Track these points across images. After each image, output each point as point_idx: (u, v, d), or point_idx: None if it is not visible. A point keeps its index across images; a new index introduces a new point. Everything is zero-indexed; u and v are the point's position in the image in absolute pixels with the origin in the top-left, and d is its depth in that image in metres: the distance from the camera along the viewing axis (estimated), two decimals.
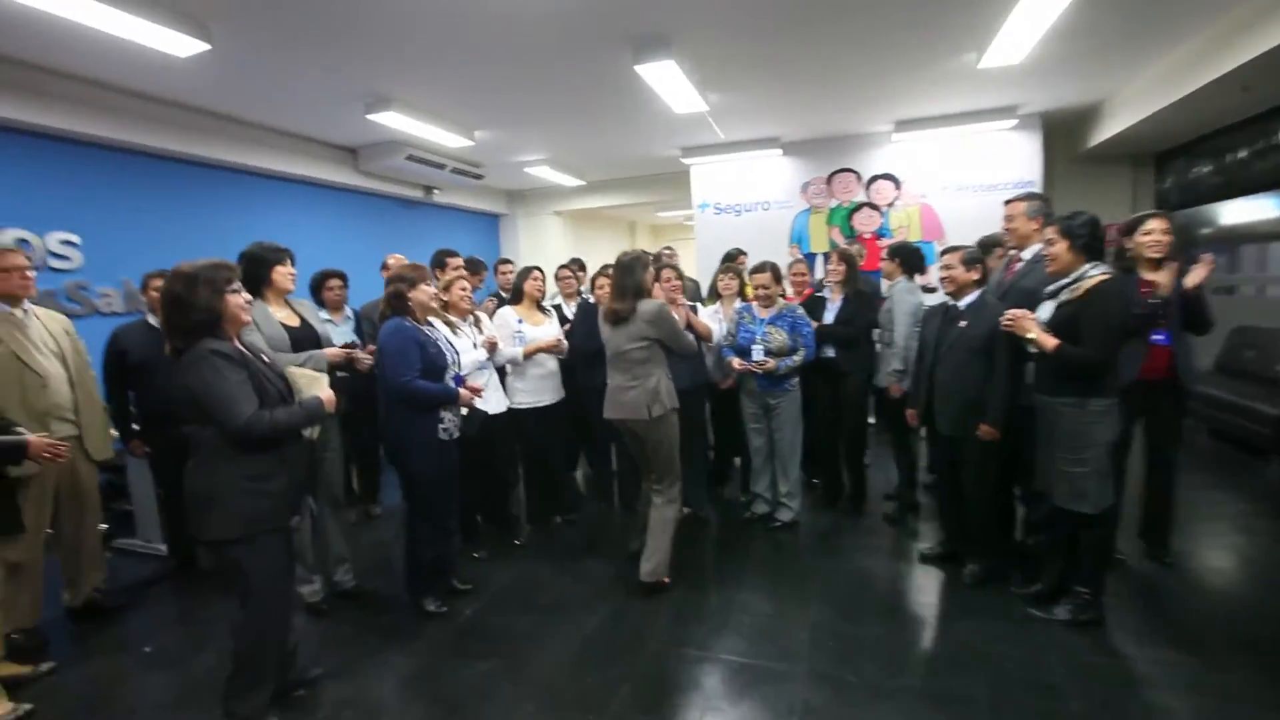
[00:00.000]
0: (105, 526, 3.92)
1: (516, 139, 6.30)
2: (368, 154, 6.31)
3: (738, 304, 3.70)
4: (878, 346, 3.84)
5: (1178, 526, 2.98)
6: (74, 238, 4.31)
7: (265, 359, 1.98)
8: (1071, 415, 2.30)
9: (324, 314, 3.64)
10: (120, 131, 4.34)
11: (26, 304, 2.67)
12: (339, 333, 3.57)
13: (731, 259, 4.74)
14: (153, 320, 3.13)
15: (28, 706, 2.17)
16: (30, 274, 2.62)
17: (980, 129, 5.87)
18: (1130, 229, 2.74)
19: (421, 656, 2.46)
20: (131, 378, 3.10)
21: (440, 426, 2.56)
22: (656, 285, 3.45)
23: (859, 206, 6.59)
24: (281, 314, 2.76)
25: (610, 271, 4.12)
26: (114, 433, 3.07)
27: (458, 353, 2.75)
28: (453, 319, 3.11)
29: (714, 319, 3.67)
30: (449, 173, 6.91)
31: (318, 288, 3.65)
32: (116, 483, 3.87)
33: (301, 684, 2.22)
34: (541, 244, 9.22)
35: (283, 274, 2.75)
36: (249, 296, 1.92)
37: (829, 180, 6.66)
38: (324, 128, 5.56)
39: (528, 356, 3.40)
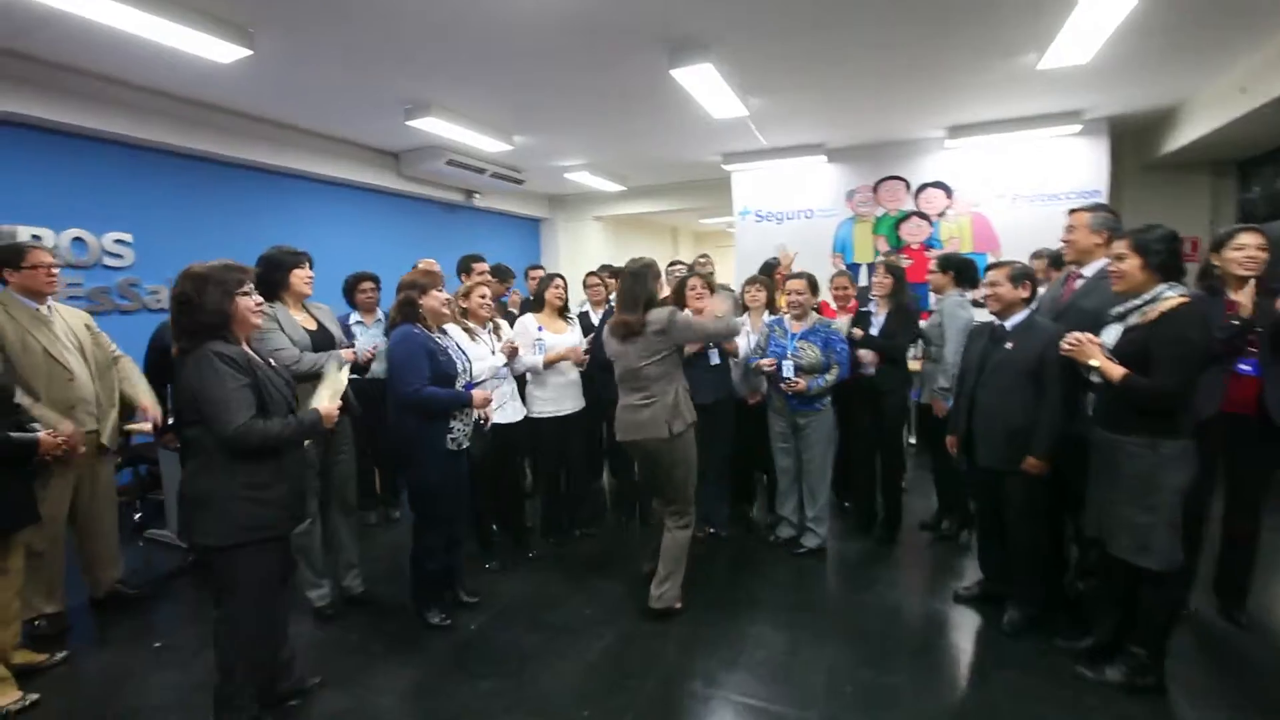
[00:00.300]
0: (139, 515, 4.08)
1: (556, 143, 6.29)
2: (409, 158, 6.41)
3: (767, 317, 3.53)
4: (917, 363, 3.61)
5: (1260, 584, 2.65)
6: (127, 237, 4.50)
7: (274, 365, 1.96)
8: (1139, 456, 2.02)
9: (355, 316, 3.67)
10: (170, 135, 4.50)
11: (50, 301, 2.75)
12: (369, 335, 3.59)
13: (770, 269, 4.54)
14: None
15: (34, 696, 2.21)
16: (55, 272, 2.69)
17: (1041, 135, 5.51)
18: (1220, 244, 2.46)
19: (421, 670, 2.40)
20: (172, 373, 3.17)
21: (449, 436, 2.50)
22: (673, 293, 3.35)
23: (907, 216, 6.30)
24: (299, 317, 2.77)
25: (599, 274, 4.02)
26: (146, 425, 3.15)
27: (469, 361, 2.69)
28: (471, 326, 3.06)
29: (741, 333, 3.51)
30: (489, 177, 6.96)
31: (351, 290, 3.68)
32: (155, 473, 4.00)
33: (297, 694, 2.19)
34: (582, 249, 9.21)
35: (300, 277, 2.76)
36: (261, 300, 1.89)
37: (875, 188, 6.39)
38: (366, 133, 5.66)
39: (548, 365, 3.32)
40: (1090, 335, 2.12)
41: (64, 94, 3.92)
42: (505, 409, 3.09)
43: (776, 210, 6.85)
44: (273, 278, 2.74)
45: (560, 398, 3.40)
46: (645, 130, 5.76)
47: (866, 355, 3.35)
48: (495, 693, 2.26)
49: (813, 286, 3.35)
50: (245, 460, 1.75)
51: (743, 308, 3.70)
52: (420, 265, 3.79)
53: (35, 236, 4.06)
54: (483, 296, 3.05)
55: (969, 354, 2.69)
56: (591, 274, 4.19)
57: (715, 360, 3.32)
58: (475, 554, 3.21)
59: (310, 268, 2.86)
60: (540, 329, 3.38)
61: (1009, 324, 2.54)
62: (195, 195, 4.95)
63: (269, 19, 3.35)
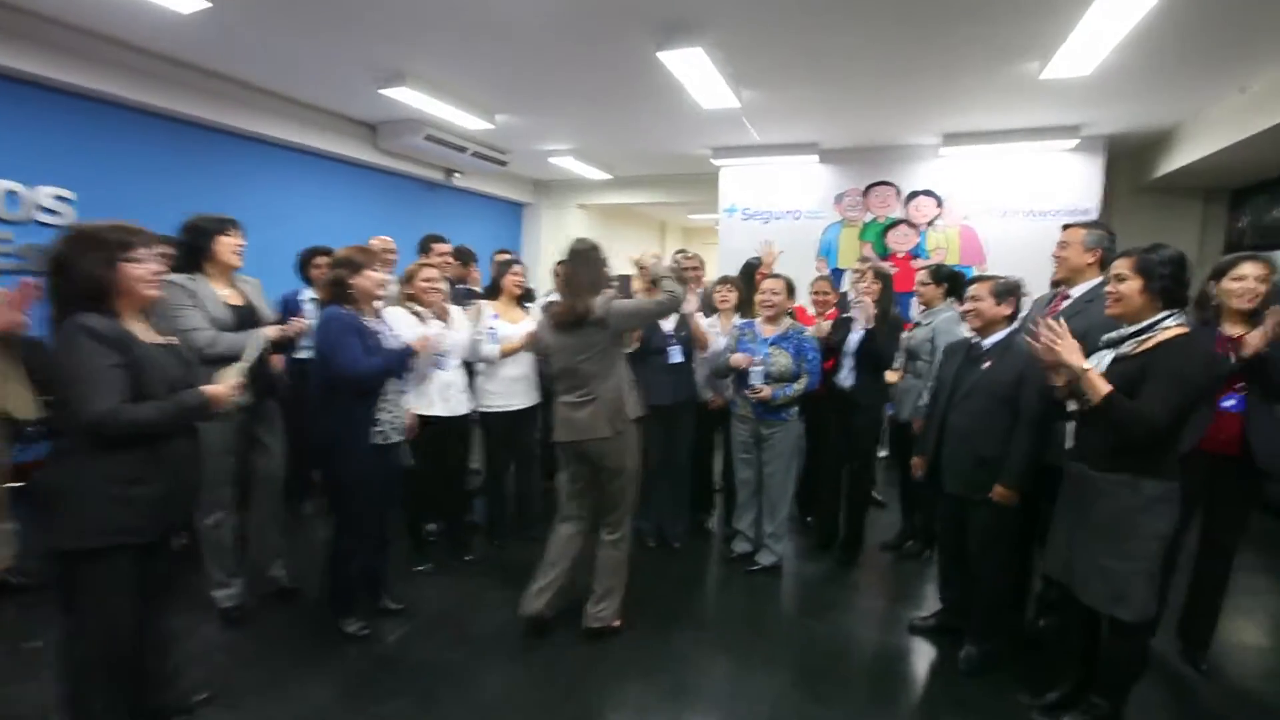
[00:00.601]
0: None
1: (540, 126, 6.04)
2: (387, 131, 6.14)
3: (737, 320, 3.35)
4: (895, 375, 3.44)
5: (1225, 629, 2.52)
6: (68, 193, 4.20)
7: (171, 344, 1.72)
8: (1117, 496, 1.84)
9: (309, 292, 3.43)
10: (121, 87, 4.20)
11: None
12: None
13: (751, 270, 4.32)
14: None
15: None
16: None
17: (1037, 148, 5.37)
18: (1220, 272, 2.30)
19: (326, 688, 2.18)
20: None
21: (375, 429, 2.29)
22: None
23: (895, 223, 6.14)
24: (224, 293, 2.52)
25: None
26: None
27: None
28: (419, 310, 2.85)
29: (711, 333, 3.33)
30: (470, 156, 6.69)
31: (304, 265, 3.45)
32: None
33: (182, 710, 1.97)
34: (562, 237, 8.93)
35: (227, 246, 2.51)
36: (158, 268, 1.66)
37: (866, 192, 6.23)
38: (338, 99, 5.38)
39: (505, 356, 3.11)
40: (1067, 335, 1.92)
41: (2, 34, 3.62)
42: (450, 401, 2.88)
43: (763, 209, 6.66)
44: (196, 245, 2.50)
45: (510, 391, 3.19)
46: (633, 117, 5.54)
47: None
48: (402, 715, 2.06)
49: (789, 289, 3.17)
50: (110, 450, 1.53)
51: (711, 309, 3.51)
52: (373, 242, 3.55)
53: None
54: (428, 280, 2.83)
55: (943, 372, 2.52)
56: (561, 262, 3.98)
57: (676, 358, 3.14)
58: (408, 555, 3.01)
59: (240, 236, 2.63)
60: (495, 317, 3.17)
61: (987, 343, 2.37)
62: (152, 154, 4.65)
63: None
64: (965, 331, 2.60)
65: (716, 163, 6.66)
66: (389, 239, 3.57)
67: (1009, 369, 2.25)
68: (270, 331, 2.46)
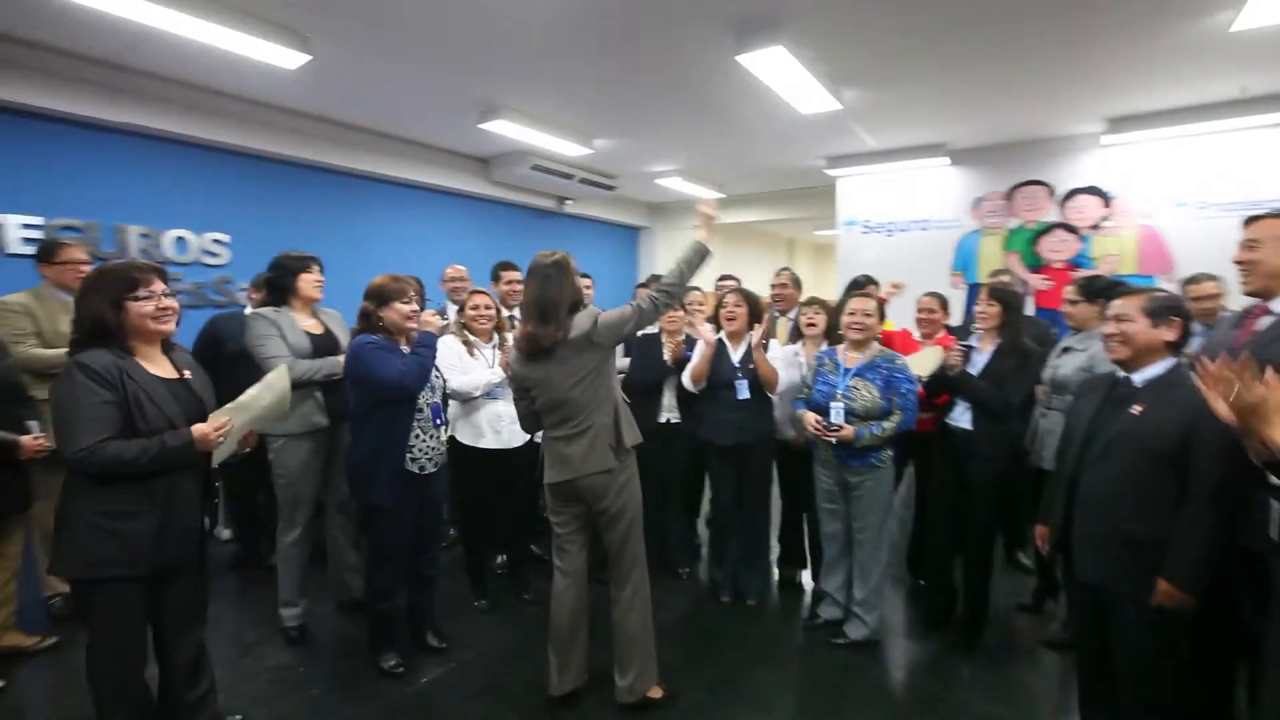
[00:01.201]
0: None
1: (639, 147, 5.97)
2: (497, 163, 6.42)
3: (825, 348, 2.92)
4: (1041, 413, 2.79)
5: None
6: (224, 237, 4.81)
7: (185, 379, 1.76)
8: None
9: None
10: (260, 141, 4.75)
11: None
12: None
13: (859, 286, 3.82)
14: (249, 311, 3.24)
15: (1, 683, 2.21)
16: (85, 268, 2.80)
17: (1236, 126, 4.26)
18: None
19: None
20: (227, 367, 3.21)
21: (408, 455, 2.23)
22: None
23: (1049, 228, 5.21)
24: (307, 322, 2.68)
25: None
26: None
27: (443, 378, 2.42)
28: (471, 339, 2.79)
29: (790, 363, 2.93)
30: (578, 183, 6.81)
31: None
32: None
33: None
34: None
35: (308, 282, 2.70)
36: (167, 304, 1.71)
37: (1010, 195, 5.37)
38: (449, 137, 5.69)
39: None
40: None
41: (166, 104, 4.23)
42: (501, 432, 2.77)
43: (887, 221, 6.01)
44: (280, 282, 2.70)
45: None
46: (730, 130, 5.26)
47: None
48: None
49: (878, 311, 2.69)
50: (102, 484, 1.57)
51: (796, 334, 3.10)
52: (447, 271, 3.62)
53: (144, 235, 4.45)
54: (475, 308, 2.77)
55: (1075, 415, 1.94)
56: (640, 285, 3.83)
57: (743, 394, 2.77)
58: (470, 589, 2.93)
59: (320, 272, 2.79)
60: None
61: (1139, 378, 1.77)
62: (293, 199, 5.23)
63: (322, 23, 3.35)
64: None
65: (831, 173, 6.15)
66: (462, 268, 3.61)
67: (1171, 419, 1.64)
68: (342, 359, 2.54)
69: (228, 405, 1.76)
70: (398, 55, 3.78)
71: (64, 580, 1.73)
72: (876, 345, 2.62)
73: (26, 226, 3.94)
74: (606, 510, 2.07)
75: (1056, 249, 5.16)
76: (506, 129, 4.96)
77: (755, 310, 2.94)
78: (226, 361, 3.10)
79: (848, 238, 6.26)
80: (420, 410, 2.27)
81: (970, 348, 2.69)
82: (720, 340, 2.91)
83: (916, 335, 3.13)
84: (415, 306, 2.28)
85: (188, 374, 1.78)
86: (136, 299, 1.65)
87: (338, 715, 2.17)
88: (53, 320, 2.73)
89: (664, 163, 6.57)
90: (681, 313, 3.21)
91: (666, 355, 3.10)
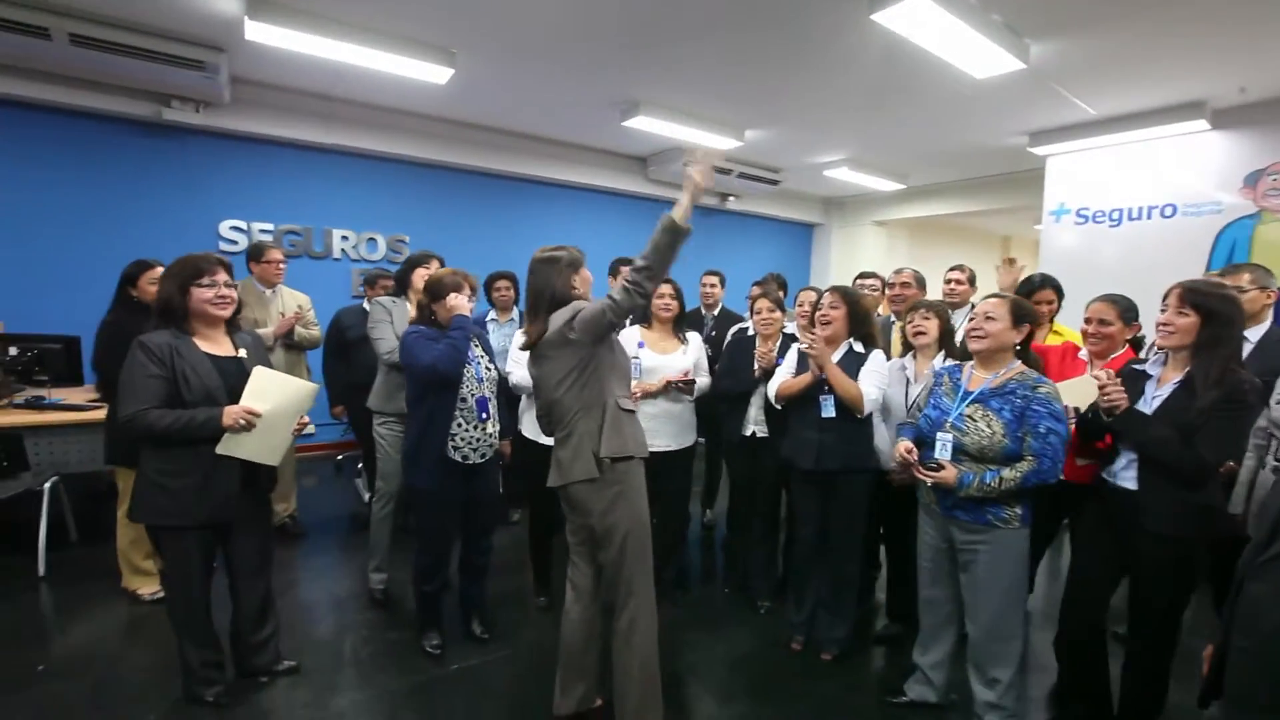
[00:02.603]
0: (341, 457, 4.96)
1: (798, 137, 5.53)
2: (654, 161, 6.44)
3: (942, 362, 2.35)
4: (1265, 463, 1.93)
5: None
6: (405, 237, 5.50)
7: (239, 357, 1.98)
8: None
9: (492, 314, 3.74)
10: (430, 151, 5.35)
11: (280, 285, 3.50)
12: (501, 333, 3.62)
13: (1033, 289, 2.99)
14: (367, 306, 3.67)
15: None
16: (283, 266, 3.43)
17: None
18: None
19: (373, 689, 2.22)
20: (346, 352, 3.69)
21: (450, 443, 2.27)
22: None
23: None
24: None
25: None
26: None
27: (498, 371, 2.43)
28: None
29: (898, 379, 2.41)
30: (737, 178, 6.54)
31: (488, 289, 3.77)
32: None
33: (265, 672, 2.23)
34: (855, 259, 8.01)
35: (421, 275, 2.88)
36: (226, 292, 1.93)
37: None
38: (598, 137, 5.82)
39: (643, 397, 2.76)
40: None
41: (358, 124, 4.96)
42: None
43: (1110, 207, 4.76)
44: (402, 276, 2.98)
45: (657, 430, 2.83)
46: (892, 109, 4.60)
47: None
48: None
49: (1021, 315, 2.05)
50: (157, 447, 1.81)
51: (905, 345, 2.55)
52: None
53: (344, 237, 5.28)
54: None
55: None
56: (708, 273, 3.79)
57: (829, 412, 2.33)
58: (535, 585, 2.93)
59: (435, 266, 3.02)
60: (641, 345, 2.87)
61: None
62: (463, 203, 5.81)
63: (463, 38, 3.63)
64: None
65: (1038, 151, 5.06)
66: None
67: None
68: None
69: (251, 387, 1.90)
70: (533, 60, 3.94)
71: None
72: (1019, 365, 1.99)
73: (263, 232, 4.91)
74: (594, 528, 1.87)
75: None
76: (650, 125, 4.92)
77: (858, 314, 2.47)
78: (348, 346, 3.52)
79: (1055, 230, 5.10)
80: (464, 400, 2.29)
81: (1142, 371, 1.94)
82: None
83: (1083, 353, 2.36)
84: (468, 301, 2.30)
85: (242, 352, 2.00)
86: (200, 285, 1.88)
87: (371, 679, 2.29)
88: (252, 309, 3.31)
89: (828, 152, 6.01)
90: (779, 314, 2.85)
91: (756, 366, 2.76)
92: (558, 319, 1.84)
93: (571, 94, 4.57)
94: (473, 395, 2.30)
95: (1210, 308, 1.78)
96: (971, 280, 3.09)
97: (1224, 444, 1.76)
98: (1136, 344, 2.39)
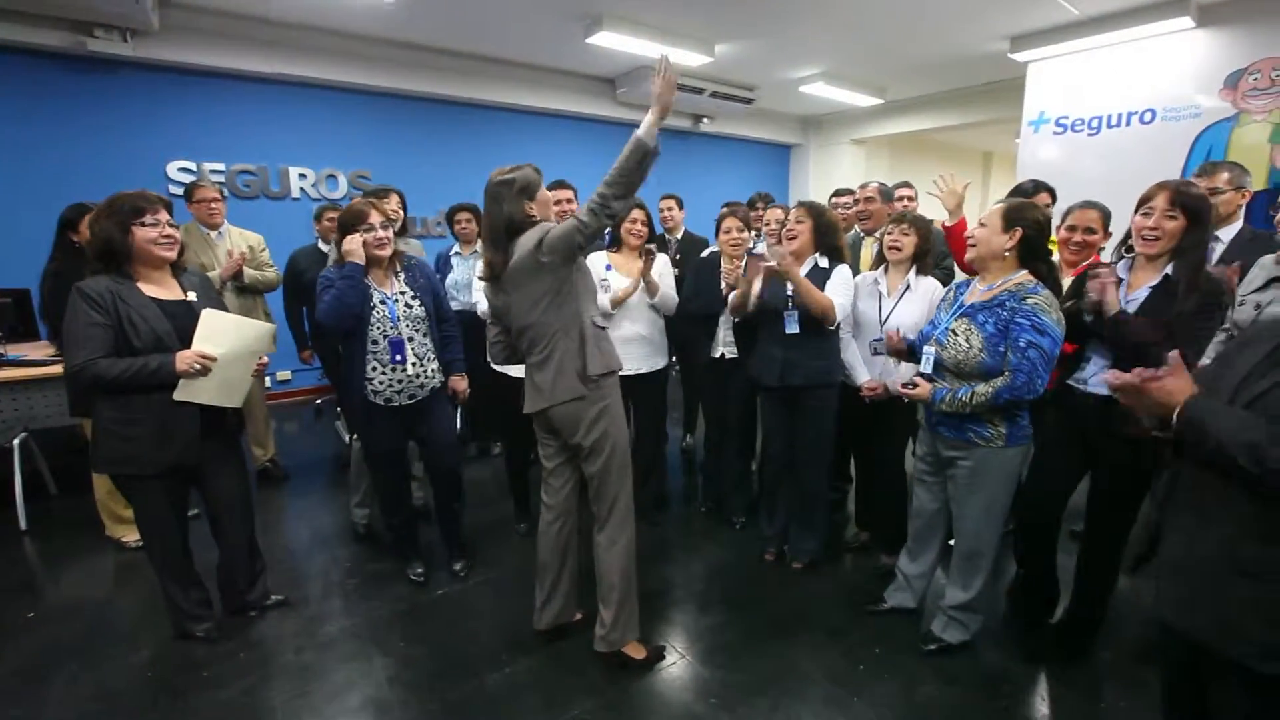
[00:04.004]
0: (320, 401, 4.94)
1: (772, 50, 5.27)
2: (623, 82, 6.14)
3: (915, 278, 2.33)
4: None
5: None
6: (366, 172, 5.28)
7: (188, 300, 1.91)
8: None
9: (456, 247, 3.64)
10: (385, 79, 5.04)
11: (225, 227, 3.32)
12: (465, 265, 3.53)
13: (1026, 196, 2.81)
14: (323, 246, 3.54)
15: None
16: (214, 205, 3.22)
17: None
18: None
19: (356, 618, 2.29)
20: (305, 295, 3.59)
21: (369, 388, 2.21)
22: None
23: None
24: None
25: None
26: None
27: (391, 305, 2.24)
28: None
29: (869, 293, 2.41)
30: (710, 97, 6.28)
31: (449, 221, 3.65)
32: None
33: (255, 607, 2.30)
34: (834, 179, 7.84)
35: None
36: (170, 231, 1.84)
37: None
38: (561, 57, 5.50)
39: (615, 306, 2.77)
40: None
41: (304, 50, 4.64)
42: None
43: (1089, 114, 4.66)
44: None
45: (629, 354, 2.83)
46: (871, 14, 4.37)
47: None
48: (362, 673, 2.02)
49: (1011, 219, 1.90)
50: (110, 396, 1.77)
51: (878, 259, 2.52)
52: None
53: (302, 175, 5.04)
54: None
55: (1224, 374, 1.27)
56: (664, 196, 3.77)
57: (793, 328, 2.34)
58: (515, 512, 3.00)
59: (399, 203, 3.04)
60: (609, 268, 2.83)
61: None
62: (425, 132, 5.55)
63: None
64: None
65: (1018, 57, 4.89)
66: (568, 191, 3.48)
67: None
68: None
69: (201, 331, 1.84)
70: None
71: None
72: (1019, 275, 1.88)
73: (214, 172, 4.67)
74: (581, 444, 1.91)
75: None
76: (614, 41, 4.66)
77: (824, 228, 2.42)
78: (306, 288, 3.43)
79: (1033, 141, 4.99)
80: (375, 343, 2.19)
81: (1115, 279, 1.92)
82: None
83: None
84: (381, 233, 2.16)
85: (191, 295, 1.93)
86: (143, 225, 1.79)
87: (356, 608, 2.36)
88: (196, 253, 3.18)
89: (803, 66, 5.76)
90: (747, 234, 2.80)
91: (723, 284, 2.74)
92: (524, 244, 1.80)
93: (528, 7, 4.28)
94: (385, 337, 2.20)
95: (1198, 209, 1.76)
96: (886, 197, 3.01)
97: (1202, 344, 1.79)
98: None
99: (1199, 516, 1.15)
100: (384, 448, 2.33)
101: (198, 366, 1.80)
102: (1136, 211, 1.85)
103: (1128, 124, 4.48)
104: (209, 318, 1.88)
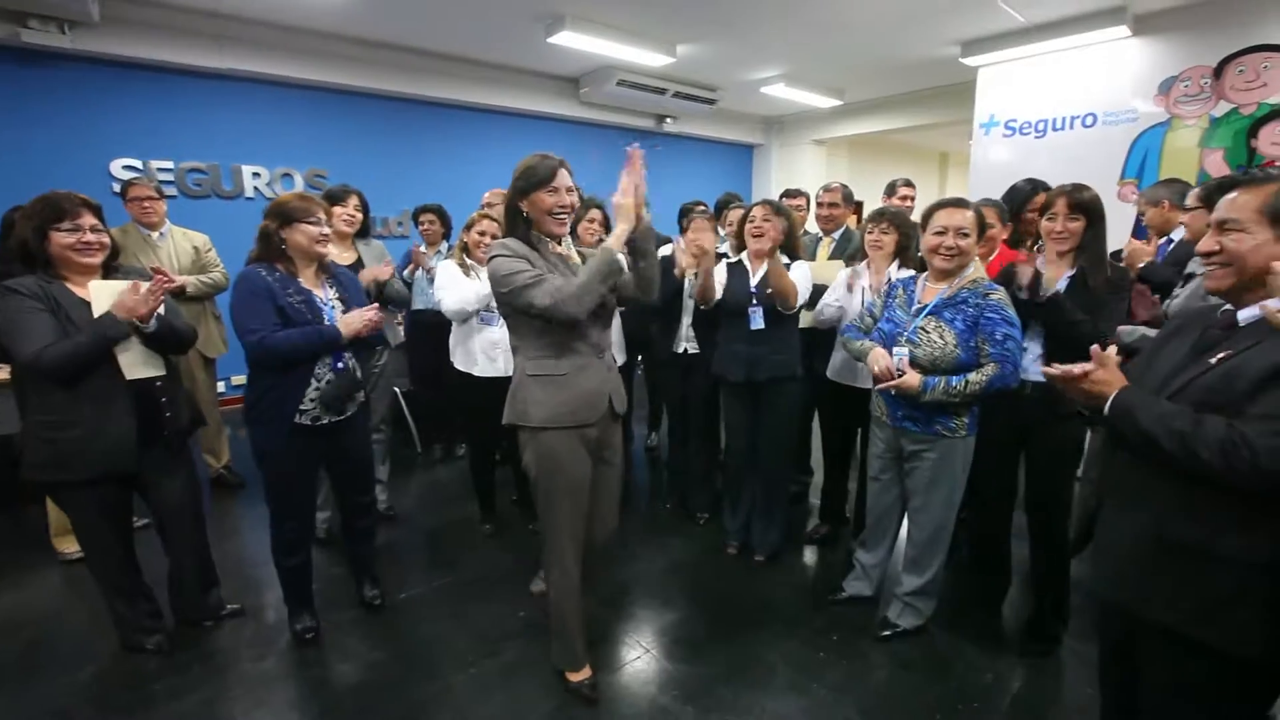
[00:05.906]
0: None
1: (733, 52, 5.34)
2: (587, 82, 6.13)
3: (898, 273, 2.36)
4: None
5: None
6: (324, 171, 5.15)
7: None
8: None
9: (423, 245, 3.59)
10: (342, 75, 4.93)
11: (167, 227, 3.18)
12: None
13: (1020, 201, 2.69)
14: None
15: None
16: (148, 204, 3.07)
17: None
18: None
19: (321, 622, 2.24)
20: None
21: (299, 407, 1.92)
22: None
23: (1276, 111, 3.83)
24: (343, 255, 2.82)
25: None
26: None
27: (329, 310, 2.00)
28: (471, 264, 2.69)
29: (840, 283, 2.49)
30: (672, 98, 6.32)
31: (416, 222, 3.60)
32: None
33: (209, 617, 2.23)
34: (795, 178, 7.95)
35: (337, 216, 2.78)
36: (92, 236, 1.74)
37: (1220, 70, 4.01)
38: (524, 56, 5.46)
39: None
40: None
41: (256, 46, 4.51)
42: (496, 361, 2.67)
43: (1036, 118, 4.84)
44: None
45: None
46: (829, 17, 4.46)
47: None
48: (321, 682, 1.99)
49: (983, 225, 2.04)
50: (39, 396, 1.70)
51: (861, 254, 2.56)
52: (486, 196, 3.51)
53: (255, 174, 4.90)
54: (482, 233, 2.63)
55: (1153, 364, 1.35)
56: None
57: (757, 324, 2.38)
58: (480, 515, 2.98)
59: (357, 204, 2.92)
60: None
61: (1244, 316, 1.18)
62: (383, 131, 5.44)
63: None
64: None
65: (969, 62, 5.05)
66: (501, 191, 3.47)
67: (1269, 367, 1.06)
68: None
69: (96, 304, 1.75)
70: None
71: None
72: (972, 271, 1.99)
73: (161, 170, 4.51)
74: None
75: None
76: (576, 41, 4.66)
77: (790, 227, 2.47)
78: None
79: (985, 144, 5.17)
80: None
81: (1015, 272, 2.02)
82: (740, 261, 2.52)
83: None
84: (326, 229, 1.99)
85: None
86: (60, 230, 1.72)
87: (317, 613, 2.30)
88: (137, 254, 3.04)
89: (764, 68, 5.84)
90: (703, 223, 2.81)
91: (675, 269, 2.73)
92: (496, 262, 1.70)
93: (487, 4, 4.24)
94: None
95: (1094, 210, 1.96)
96: (848, 200, 3.09)
97: (1115, 321, 1.98)
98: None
99: (1131, 498, 1.22)
100: (303, 472, 2.05)
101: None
102: (1042, 216, 2.06)
103: (1071, 127, 4.67)
104: (97, 289, 1.77)
